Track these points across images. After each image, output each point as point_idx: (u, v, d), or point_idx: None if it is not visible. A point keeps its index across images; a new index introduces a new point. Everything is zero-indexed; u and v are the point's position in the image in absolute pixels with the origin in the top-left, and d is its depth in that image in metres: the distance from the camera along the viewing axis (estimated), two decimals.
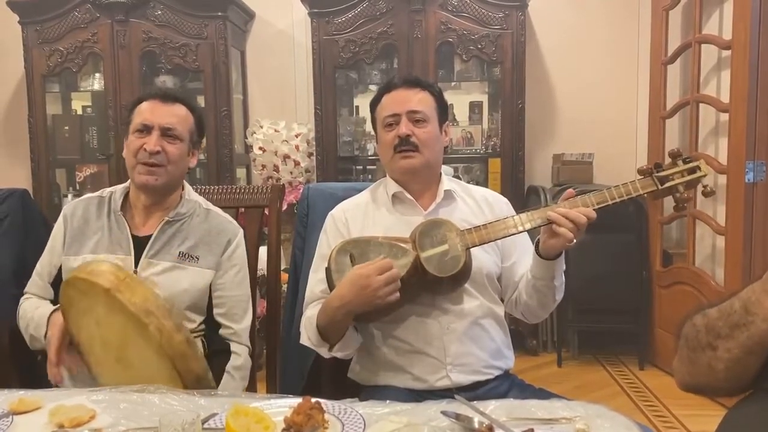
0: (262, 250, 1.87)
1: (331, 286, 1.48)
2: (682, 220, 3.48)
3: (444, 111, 1.65)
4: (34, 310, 1.59)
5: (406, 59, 3.59)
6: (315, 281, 1.59)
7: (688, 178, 1.46)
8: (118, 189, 1.67)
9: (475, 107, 3.86)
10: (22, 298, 1.66)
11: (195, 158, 1.70)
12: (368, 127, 3.89)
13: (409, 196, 1.60)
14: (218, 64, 3.68)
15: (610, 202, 1.47)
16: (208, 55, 3.67)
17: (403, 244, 1.48)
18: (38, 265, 1.67)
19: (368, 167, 3.91)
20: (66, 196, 3.84)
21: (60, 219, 1.67)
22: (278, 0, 3.99)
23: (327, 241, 1.62)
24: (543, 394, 1.55)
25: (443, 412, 1.10)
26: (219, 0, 3.65)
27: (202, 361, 1.36)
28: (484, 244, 1.49)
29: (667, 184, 1.46)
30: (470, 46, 3.56)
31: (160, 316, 1.29)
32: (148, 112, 1.60)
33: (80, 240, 1.62)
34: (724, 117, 3.04)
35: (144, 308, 1.29)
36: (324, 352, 1.52)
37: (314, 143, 3.73)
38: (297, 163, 3.70)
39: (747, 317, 0.91)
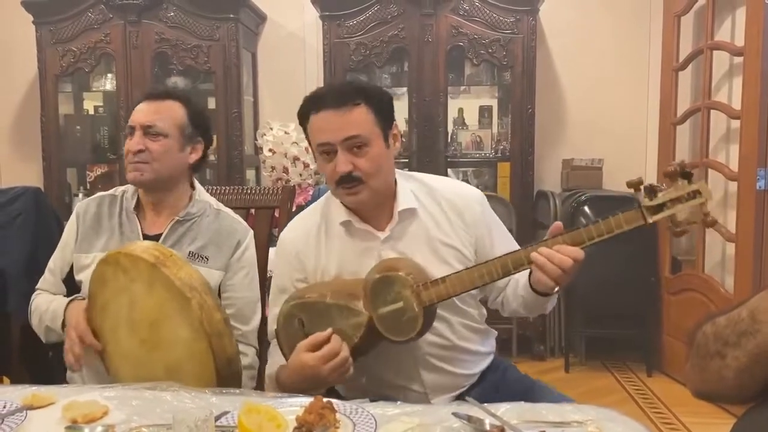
0: (272, 251, 1.87)
1: (283, 352, 1.41)
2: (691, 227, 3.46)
3: (386, 114, 1.41)
4: (49, 303, 1.60)
5: (416, 63, 3.60)
6: (274, 317, 1.47)
7: (688, 203, 1.22)
8: (131, 188, 1.68)
9: (485, 111, 3.86)
10: (34, 294, 1.68)
11: (196, 153, 1.66)
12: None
13: (359, 225, 1.44)
14: (229, 66, 3.69)
15: (596, 240, 1.25)
16: (219, 56, 3.69)
17: (354, 302, 1.34)
18: (51, 262, 1.69)
19: None
20: (77, 195, 3.86)
21: (73, 216, 1.69)
22: (290, 2, 4.01)
23: (281, 274, 1.51)
24: (539, 388, 1.50)
25: (455, 414, 1.10)
26: (231, 2, 3.67)
27: (235, 344, 1.37)
28: (442, 301, 1.31)
29: (658, 216, 1.23)
30: (481, 51, 3.56)
31: (202, 293, 1.32)
32: (136, 112, 1.63)
33: (92, 237, 1.63)
34: (736, 124, 3.03)
35: (188, 283, 1.31)
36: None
37: None
38: (306, 165, 3.70)
39: (754, 325, 0.91)
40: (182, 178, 1.66)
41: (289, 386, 1.35)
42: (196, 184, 1.72)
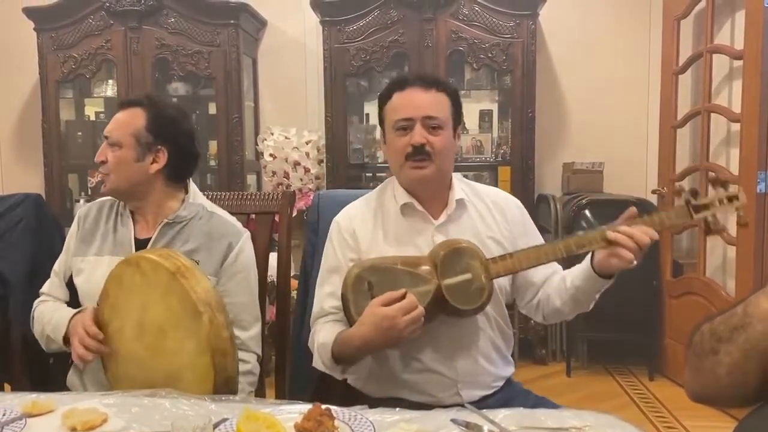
0: (272, 257, 1.88)
1: (348, 315, 1.42)
2: (692, 231, 3.46)
3: (459, 114, 1.55)
4: (53, 313, 1.60)
5: (416, 68, 3.60)
6: (323, 296, 1.53)
7: (726, 206, 1.40)
8: None
9: (485, 115, 3.87)
10: (37, 300, 1.68)
11: (158, 163, 1.60)
12: (378, 134, 3.90)
13: (419, 207, 1.52)
14: (230, 72, 3.71)
15: (658, 230, 1.40)
16: (220, 62, 3.70)
17: (422, 268, 1.40)
18: (56, 265, 1.71)
19: (378, 174, 3.91)
20: (78, 201, 3.87)
21: (75, 220, 1.71)
22: (290, 8, 4.02)
23: (334, 252, 1.55)
24: (543, 403, 1.53)
25: (453, 420, 1.10)
26: (231, 8, 3.69)
27: (236, 365, 1.38)
28: (510, 274, 1.44)
29: (701, 214, 1.40)
30: (481, 55, 3.57)
31: (215, 310, 1.33)
32: None
33: (89, 241, 1.64)
34: (736, 127, 3.03)
35: (204, 299, 1.32)
36: (337, 375, 1.50)
37: (324, 150, 3.74)
38: (307, 170, 3.71)
39: (745, 318, 0.92)
40: (153, 186, 1.62)
41: (356, 343, 1.38)
42: (192, 187, 1.70)
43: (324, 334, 1.48)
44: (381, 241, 1.52)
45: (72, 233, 1.69)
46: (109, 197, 1.69)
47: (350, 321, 1.42)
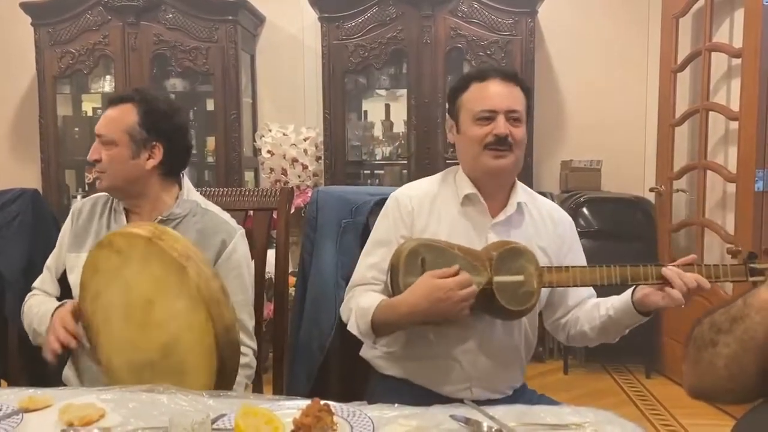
0: (270, 253, 1.87)
1: (395, 284, 1.41)
2: (690, 229, 3.46)
3: (531, 109, 1.59)
4: (39, 306, 1.60)
5: (415, 64, 3.60)
6: (366, 265, 1.54)
7: None
8: None
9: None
10: (29, 294, 1.68)
11: (153, 159, 1.59)
12: (376, 131, 3.90)
13: (482, 200, 1.52)
14: (228, 68, 3.69)
15: (712, 281, 1.41)
16: (218, 58, 3.69)
17: (478, 262, 1.41)
18: (49, 260, 1.70)
19: (376, 172, 3.91)
20: (75, 197, 3.86)
21: (69, 215, 1.70)
22: (288, 5, 4.01)
23: (387, 226, 1.55)
24: (545, 400, 1.55)
25: (452, 416, 1.10)
26: (230, 4, 3.67)
27: (233, 312, 1.35)
28: (561, 287, 1.46)
29: (755, 278, 1.43)
30: (479, 52, 3.56)
31: (199, 262, 1.31)
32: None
33: (83, 237, 1.63)
34: (734, 125, 3.03)
35: (185, 253, 1.31)
36: (368, 342, 1.50)
37: (322, 147, 3.74)
38: (305, 167, 3.71)
39: (744, 309, 0.92)
40: (149, 183, 1.61)
41: (403, 310, 1.37)
42: (185, 183, 1.69)
43: (366, 299, 1.48)
44: (435, 227, 1.51)
45: (66, 228, 1.68)
46: (103, 193, 1.68)
47: (395, 292, 1.42)
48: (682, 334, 1.03)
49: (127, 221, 1.62)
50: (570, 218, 1.65)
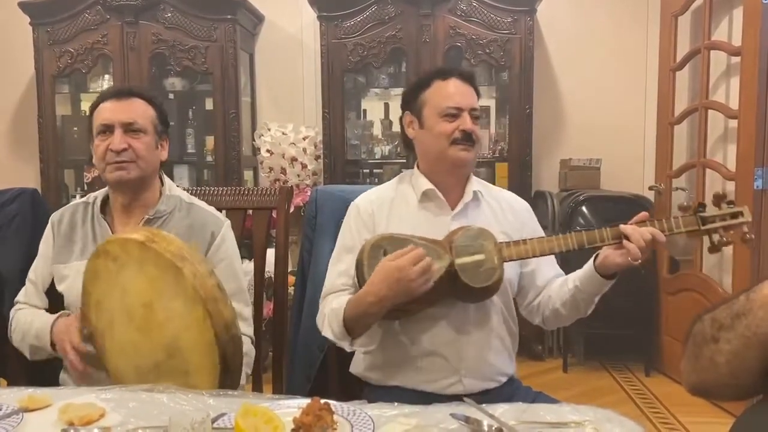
0: (270, 253, 1.87)
1: (361, 280, 1.46)
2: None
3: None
4: (31, 322, 1.58)
5: (414, 63, 3.60)
6: (336, 273, 1.58)
7: (729, 222, 1.46)
8: (101, 193, 1.67)
9: (482, 112, 3.83)
10: (14, 309, 1.65)
11: (165, 151, 1.66)
12: (376, 130, 3.90)
13: (440, 195, 1.58)
14: (227, 67, 3.69)
15: (666, 234, 1.45)
16: (217, 57, 3.68)
17: (438, 247, 1.46)
18: (31, 274, 1.67)
19: (375, 170, 3.91)
20: (74, 196, 3.85)
21: (48, 227, 1.67)
22: (287, 3, 4.00)
23: (350, 232, 1.60)
24: (542, 398, 1.57)
25: (452, 415, 1.10)
26: (228, 3, 3.67)
27: (232, 310, 1.35)
28: (522, 259, 1.49)
29: (708, 226, 1.46)
30: (478, 51, 3.56)
31: (194, 262, 1.31)
32: (107, 111, 1.59)
33: (68, 247, 1.62)
34: (733, 123, 3.03)
35: (179, 255, 1.31)
36: (346, 346, 1.51)
37: (322, 146, 3.74)
38: (304, 166, 3.71)
39: (747, 305, 0.92)
40: (156, 176, 1.66)
41: (369, 299, 1.41)
42: (166, 179, 1.69)
43: (336, 302, 1.51)
44: (396, 226, 1.56)
45: (47, 241, 1.66)
46: (81, 201, 1.67)
47: (362, 287, 1.45)
48: (681, 333, 1.03)
49: (110, 226, 1.62)
50: (527, 203, 1.71)
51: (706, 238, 1.51)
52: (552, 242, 1.48)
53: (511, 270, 1.56)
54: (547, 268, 1.61)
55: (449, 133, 1.55)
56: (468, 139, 1.55)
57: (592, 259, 1.49)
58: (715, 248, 1.50)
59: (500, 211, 1.63)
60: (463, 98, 1.57)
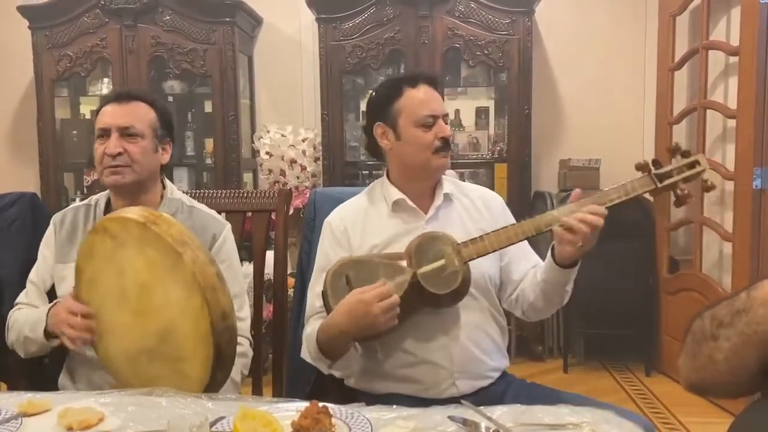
0: (269, 255, 1.87)
1: (327, 308, 1.45)
2: (689, 227, 3.47)
3: None
4: (28, 316, 1.57)
5: (412, 65, 3.59)
6: (314, 295, 1.56)
7: (688, 173, 1.45)
8: (103, 195, 1.67)
9: (481, 113, 3.87)
10: (13, 309, 1.64)
11: (167, 154, 1.66)
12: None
13: (410, 203, 1.57)
14: (226, 70, 3.69)
15: (616, 202, 1.44)
16: (215, 60, 3.69)
17: (399, 262, 1.46)
18: (32, 275, 1.67)
19: (374, 172, 3.90)
20: (74, 199, 3.85)
21: (50, 227, 1.68)
22: (286, 6, 4.01)
23: (326, 252, 1.59)
24: (535, 389, 1.57)
25: (450, 417, 1.10)
26: (227, 6, 3.67)
27: (230, 299, 1.34)
28: (482, 256, 1.46)
29: (666, 182, 1.44)
30: (477, 52, 3.57)
31: (194, 248, 1.30)
32: (107, 115, 1.60)
33: (69, 248, 1.62)
34: (732, 123, 3.03)
35: (180, 239, 1.30)
36: (323, 368, 1.52)
37: (321, 148, 3.74)
38: (303, 168, 3.71)
39: (747, 302, 0.91)
40: (155, 179, 1.66)
41: (333, 331, 1.41)
42: (167, 182, 1.70)
43: (310, 327, 1.53)
44: (371, 239, 1.55)
45: (48, 241, 1.66)
46: (83, 203, 1.68)
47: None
48: (681, 332, 1.03)
49: None
50: (500, 197, 1.70)
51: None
52: (509, 232, 1.46)
53: (490, 264, 1.55)
54: (521, 260, 1.59)
55: (430, 143, 1.53)
56: (447, 145, 1.55)
57: (549, 250, 1.47)
58: (680, 201, 1.47)
59: (474, 209, 1.61)
60: (438, 105, 1.57)
